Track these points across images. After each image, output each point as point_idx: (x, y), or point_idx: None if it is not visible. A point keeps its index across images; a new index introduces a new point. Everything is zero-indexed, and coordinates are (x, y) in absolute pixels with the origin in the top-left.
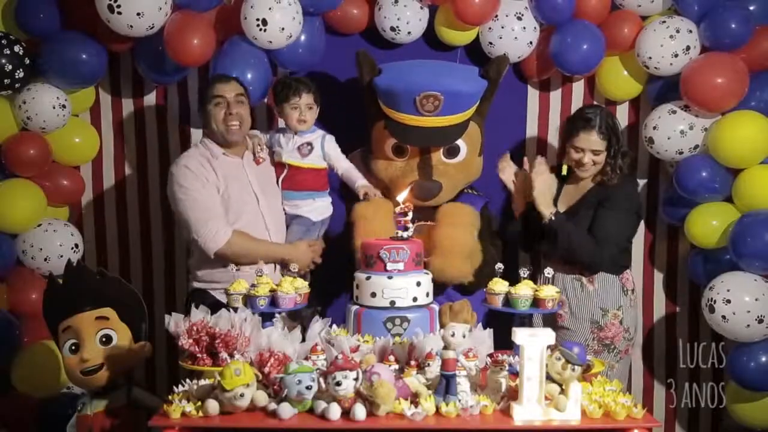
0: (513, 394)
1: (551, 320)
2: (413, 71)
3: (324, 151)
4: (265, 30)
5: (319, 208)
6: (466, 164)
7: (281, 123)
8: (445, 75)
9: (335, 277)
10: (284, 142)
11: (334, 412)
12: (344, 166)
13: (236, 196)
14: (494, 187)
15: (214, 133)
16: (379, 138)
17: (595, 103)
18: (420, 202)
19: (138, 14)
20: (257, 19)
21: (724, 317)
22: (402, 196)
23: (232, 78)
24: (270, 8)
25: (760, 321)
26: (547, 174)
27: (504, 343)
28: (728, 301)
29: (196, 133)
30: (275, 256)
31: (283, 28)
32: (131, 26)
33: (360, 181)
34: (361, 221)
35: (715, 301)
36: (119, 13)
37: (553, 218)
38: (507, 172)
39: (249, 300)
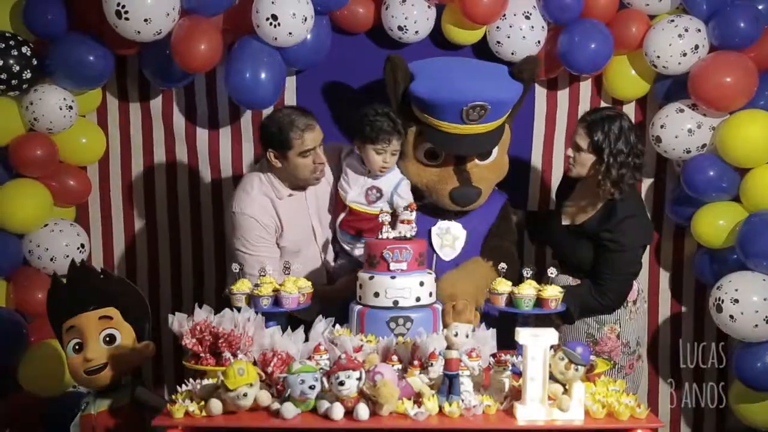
0: (516, 394)
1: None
2: (452, 78)
3: (394, 197)
4: (278, 25)
5: None
6: (497, 164)
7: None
8: (486, 81)
9: None
10: (352, 181)
11: (337, 411)
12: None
13: (296, 237)
14: (512, 184)
15: (289, 174)
16: (411, 142)
17: (603, 104)
18: (459, 208)
19: (145, 20)
20: (268, 17)
21: (731, 317)
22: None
23: (314, 121)
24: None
25: None
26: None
27: (507, 343)
28: (736, 301)
29: (201, 134)
30: None
31: (306, 18)
32: (138, 32)
33: None
34: None
35: (722, 301)
36: (126, 18)
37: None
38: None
39: (252, 299)
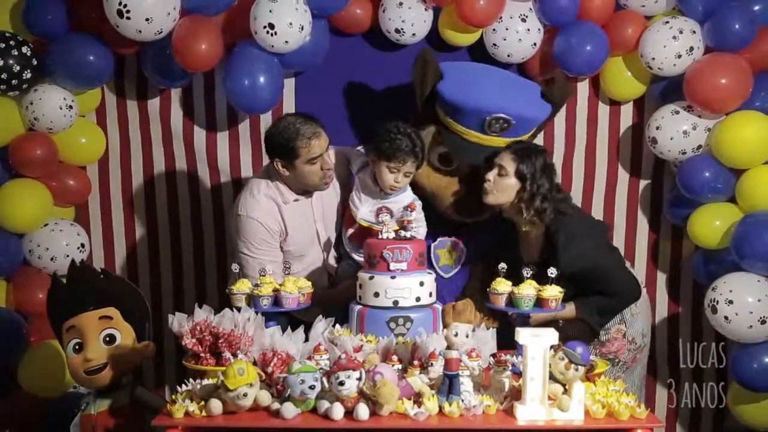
0: (516, 394)
1: None
2: (481, 86)
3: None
4: (275, 34)
5: None
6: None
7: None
8: (516, 96)
9: None
10: (364, 199)
11: (337, 411)
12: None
13: (300, 242)
14: None
15: (297, 181)
16: (427, 144)
17: (600, 105)
18: (462, 219)
19: (147, 19)
20: (265, 25)
21: (726, 318)
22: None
23: (321, 128)
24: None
25: (763, 322)
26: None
27: (507, 343)
28: (731, 302)
29: (199, 133)
30: None
31: (302, 27)
32: (140, 31)
33: None
34: None
35: (717, 302)
36: (128, 18)
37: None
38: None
39: (252, 299)
